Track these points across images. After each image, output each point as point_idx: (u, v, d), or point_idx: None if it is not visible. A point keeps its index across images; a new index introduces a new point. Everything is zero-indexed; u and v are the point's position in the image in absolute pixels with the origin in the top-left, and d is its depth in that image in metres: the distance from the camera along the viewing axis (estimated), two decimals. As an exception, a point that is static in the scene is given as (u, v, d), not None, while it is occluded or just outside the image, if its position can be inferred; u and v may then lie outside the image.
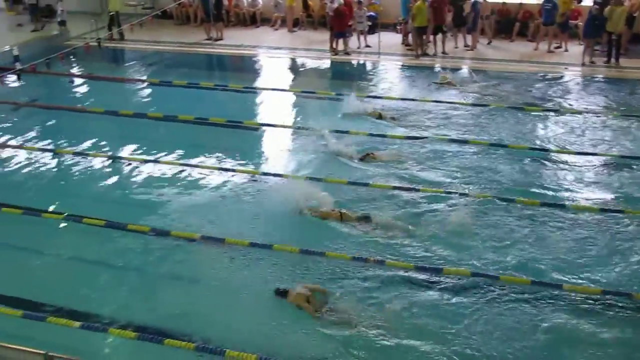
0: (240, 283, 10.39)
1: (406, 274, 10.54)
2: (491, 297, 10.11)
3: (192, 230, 11.76)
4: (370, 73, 21.09)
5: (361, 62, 22.38)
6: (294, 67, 22.46)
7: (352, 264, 10.74)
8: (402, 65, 21.96)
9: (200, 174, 14.18)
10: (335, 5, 23.01)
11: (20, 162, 15.34)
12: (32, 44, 24.12)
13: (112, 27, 25.39)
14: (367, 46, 23.65)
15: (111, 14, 25.64)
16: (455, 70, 21.13)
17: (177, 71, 21.78)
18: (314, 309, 9.68)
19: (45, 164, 15.14)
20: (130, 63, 23.63)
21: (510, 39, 24.21)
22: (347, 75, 20.92)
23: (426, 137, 15.57)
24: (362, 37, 23.74)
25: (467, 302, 9.95)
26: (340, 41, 23.08)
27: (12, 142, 16.48)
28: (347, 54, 22.95)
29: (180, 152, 15.34)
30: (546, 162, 14.49)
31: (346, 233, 11.65)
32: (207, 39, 24.97)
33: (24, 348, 7.99)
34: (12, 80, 19.51)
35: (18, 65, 21.25)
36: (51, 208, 12.87)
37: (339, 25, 22.73)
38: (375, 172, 13.90)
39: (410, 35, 23.36)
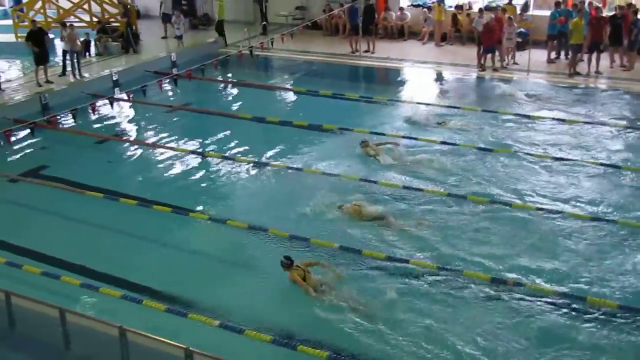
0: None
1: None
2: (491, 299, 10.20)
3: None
4: (520, 91, 20.39)
5: (508, 79, 21.72)
6: (439, 82, 22.10)
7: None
8: (551, 84, 21.09)
9: (341, 182, 14.20)
10: (485, 20, 22.52)
11: (166, 161, 16.06)
12: (189, 51, 25.21)
13: (221, 34, 26.40)
14: (515, 63, 22.95)
15: (220, 20, 26.51)
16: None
17: (324, 81, 22.05)
18: (312, 287, 10.16)
19: (190, 165, 15.73)
20: (279, 71, 24.17)
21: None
22: (492, 92, 20.34)
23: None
24: (510, 54, 23.08)
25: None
26: (489, 57, 22.52)
27: (161, 142, 17.31)
28: (495, 70, 22.37)
29: (325, 161, 15.43)
30: None
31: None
32: (352, 52, 25.10)
33: (167, 340, 8.27)
34: (169, 84, 20.52)
35: (175, 71, 22.37)
36: (199, 208, 13.34)
37: (488, 40, 22.18)
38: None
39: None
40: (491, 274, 10.74)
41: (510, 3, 24.17)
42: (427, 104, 19.24)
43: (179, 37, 25.97)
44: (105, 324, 8.73)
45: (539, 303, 10.09)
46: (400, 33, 26.99)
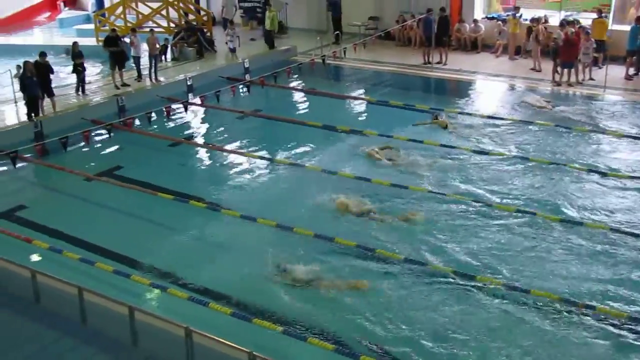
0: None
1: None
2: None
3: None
4: (595, 107, 19.90)
5: (584, 95, 21.20)
6: (512, 95, 21.70)
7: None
8: (629, 102, 20.47)
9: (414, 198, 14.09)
10: (562, 34, 22.04)
11: (236, 166, 16.30)
12: (262, 57, 25.49)
13: (270, 43, 26.59)
14: (591, 79, 22.37)
15: (268, 30, 26.67)
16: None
17: (395, 92, 21.95)
18: None
19: (259, 170, 15.87)
20: (351, 80, 24.19)
21: None
22: (566, 108, 19.88)
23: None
24: (587, 70, 22.51)
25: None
26: (565, 71, 22.01)
27: (231, 147, 17.54)
28: (571, 85, 21.87)
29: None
30: None
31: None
32: (424, 63, 24.94)
33: (231, 344, 8.36)
34: (242, 90, 20.79)
35: (248, 77, 22.68)
36: (264, 216, 13.43)
37: (567, 55, 21.62)
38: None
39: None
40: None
41: (600, 16, 23.40)
42: (499, 118, 18.96)
43: (232, 50, 25.65)
44: (172, 324, 8.89)
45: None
46: (474, 45, 26.68)
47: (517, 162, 15.82)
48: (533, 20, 25.28)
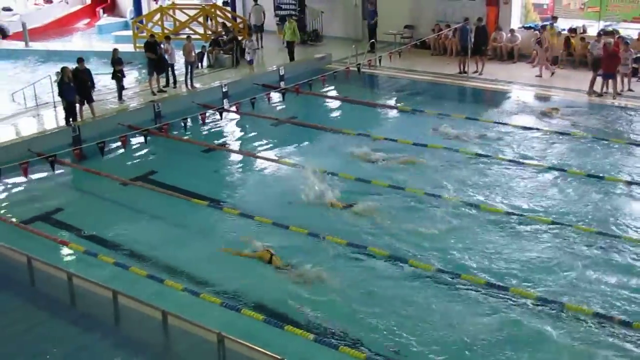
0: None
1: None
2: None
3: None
4: (635, 119, 19.61)
5: (622, 106, 20.89)
6: (548, 106, 21.42)
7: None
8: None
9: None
10: (600, 45, 21.76)
11: (270, 173, 16.41)
12: (297, 65, 25.58)
13: (290, 54, 26.26)
14: (630, 90, 22.03)
15: (289, 42, 26.29)
16: None
17: (429, 101, 21.85)
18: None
19: (293, 178, 15.74)
20: (386, 89, 24.16)
21: None
22: (604, 119, 19.61)
23: None
24: (625, 80, 22.18)
25: None
26: (603, 82, 21.68)
27: (265, 154, 17.63)
28: (609, 96, 21.54)
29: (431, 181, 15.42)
30: None
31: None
32: (460, 73, 24.82)
33: (264, 351, 8.39)
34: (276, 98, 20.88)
35: (282, 85, 22.79)
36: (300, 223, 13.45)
37: (608, 66, 21.27)
38: None
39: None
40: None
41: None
42: (535, 129, 18.77)
43: (250, 62, 25.12)
44: (205, 329, 8.93)
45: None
46: (510, 55, 26.46)
47: (553, 173, 15.67)
48: (571, 30, 25.07)
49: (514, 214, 13.61)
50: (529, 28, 26.65)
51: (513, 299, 10.78)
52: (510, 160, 16.42)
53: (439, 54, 27.84)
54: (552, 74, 23.94)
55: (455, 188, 14.89)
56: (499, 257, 12.06)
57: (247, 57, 25.18)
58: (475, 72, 24.70)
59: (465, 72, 24.75)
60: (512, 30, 26.46)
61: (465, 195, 14.51)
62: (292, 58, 26.40)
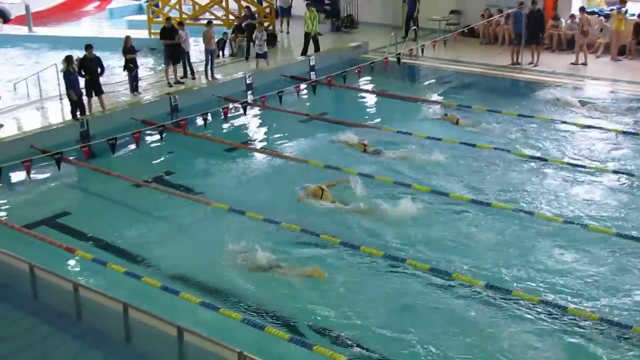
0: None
1: None
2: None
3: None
4: None
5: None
6: (615, 102, 21.18)
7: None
8: None
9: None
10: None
11: (299, 176, 16.32)
12: (329, 55, 25.62)
13: (306, 49, 25.95)
14: None
15: (307, 33, 25.90)
16: None
17: (478, 95, 21.74)
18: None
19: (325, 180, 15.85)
20: (428, 82, 24.13)
21: None
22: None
23: None
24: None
25: None
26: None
27: (294, 153, 17.70)
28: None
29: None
30: None
31: None
32: (513, 64, 24.64)
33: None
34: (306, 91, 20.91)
35: (313, 76, 22.81)
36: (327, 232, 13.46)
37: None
38: None
39: None
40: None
41: None
42: (600, 128, 18.61)
43: (262, 56, 24.49)
44: (225, 348, 8.98)
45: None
46: (570, 44, 26.18)
47: (618, 178, 15.56)
48: (641, 16, 24.81)
49: (572, 222, 13.52)
50: (592, 13, 26.32)
51: (572, 320, 10.69)
52: (569, 164, 16.32)
53: (489, 43, 27.74)
54: (583, 64, 24.00)
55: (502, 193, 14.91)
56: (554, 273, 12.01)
57: (258, 50, 24.43)
58: (530, 63, 24.52)
59: (518, 63, 24.58)
60: (572, 16, 26.16)
61: (520, 202, 14.48)
62: (317, 48, 26.09)
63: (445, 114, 19.83)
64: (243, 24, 26.80)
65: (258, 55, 24.46)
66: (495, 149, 17.16)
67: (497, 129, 18.70)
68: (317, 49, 26.15)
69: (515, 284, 11.58)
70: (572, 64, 24.23)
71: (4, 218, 14.65)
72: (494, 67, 24.55)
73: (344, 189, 14.99)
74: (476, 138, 17.93)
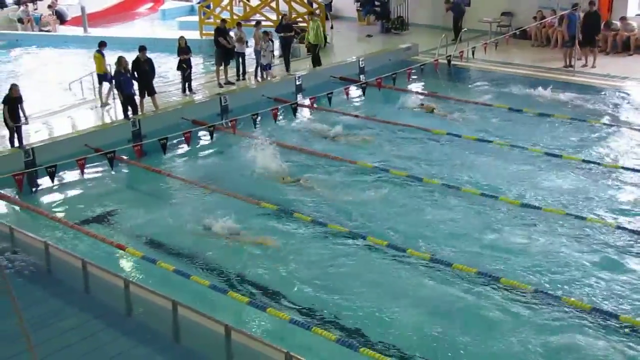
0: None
1: None
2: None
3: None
4: None
5: None
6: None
7: None
8: None
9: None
10: None
11: (351, 176, 16.33)
12: (379, 57, 25.58)
13: (315, 61, 24.91)
14: None
15: (313, 45, 24.94)
16: None
17: (528, 98, 21.43)
18: None
19: (378, 183, 15.83)
20: (478, 84, 23.85)
21: None
22: None
23: None
24: None
25: None
26: None
27: (339, 155, 17.57)
28: None
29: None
30: None
31: None
32: (566, 66, 24.27)
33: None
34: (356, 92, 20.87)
35: (362, 78, 22.78)
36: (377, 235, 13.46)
37: None
38: None
39: None
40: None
41: None
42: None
43: (265, 68, 23.28)
44: (271, 348, 9.02)
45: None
46: (625, 46, 25.69)
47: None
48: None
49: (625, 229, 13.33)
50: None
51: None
52: (624, 168, 16.12)
53: (541, 45, 27.37)
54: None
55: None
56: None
57: (262, 61, 23.26)
58: (585, 65, 24.09)
59: (571, 66, 24.20)
60: (622, 18, 25.61)
61: (576, 208, 14.33)
62: (316, 63, 24.89)
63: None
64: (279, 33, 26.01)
65: (262, 67, 23.42)
66: (546, 154, 17.00)
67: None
68: (316, 62, 24.90)
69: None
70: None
71: (58, 215, 14.93)
72: (545, 70, 24.20)
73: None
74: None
